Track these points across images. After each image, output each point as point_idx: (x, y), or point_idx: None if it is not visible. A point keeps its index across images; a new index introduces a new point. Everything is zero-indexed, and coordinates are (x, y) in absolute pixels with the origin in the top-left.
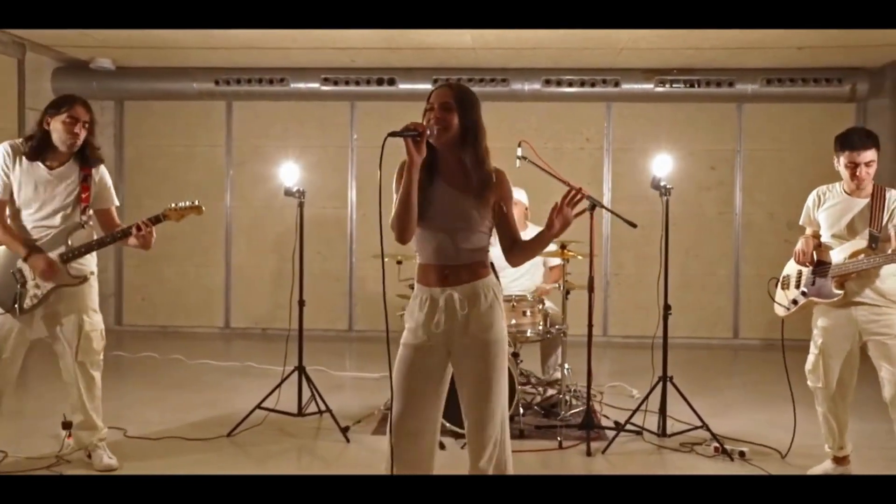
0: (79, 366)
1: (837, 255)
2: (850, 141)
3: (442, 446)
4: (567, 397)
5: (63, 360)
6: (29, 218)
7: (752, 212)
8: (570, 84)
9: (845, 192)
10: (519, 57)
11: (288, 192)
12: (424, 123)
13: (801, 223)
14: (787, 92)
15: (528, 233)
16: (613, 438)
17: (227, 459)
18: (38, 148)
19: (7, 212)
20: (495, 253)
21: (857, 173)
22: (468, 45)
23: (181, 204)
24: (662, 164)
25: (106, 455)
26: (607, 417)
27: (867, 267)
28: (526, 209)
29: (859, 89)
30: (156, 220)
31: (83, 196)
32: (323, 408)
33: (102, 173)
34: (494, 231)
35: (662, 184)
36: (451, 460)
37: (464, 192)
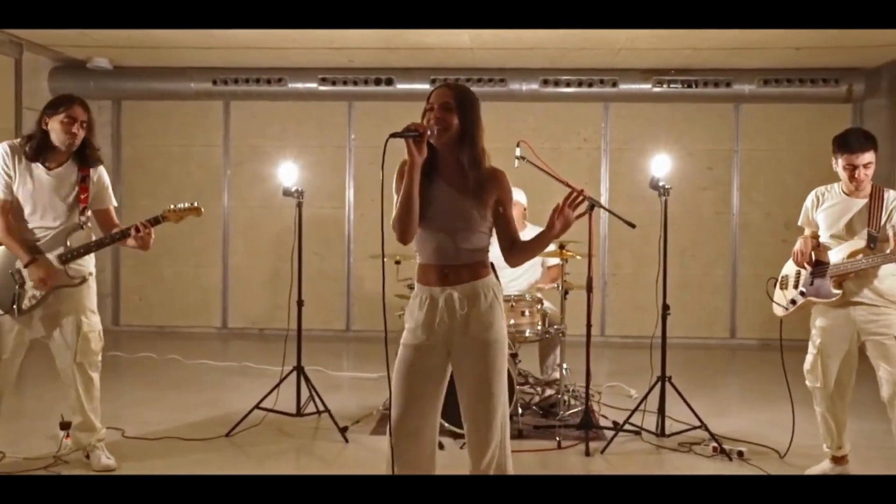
0: (77, 367)
1: (836, 256)
2: (849, 143)
3: (441, 446)
4: (565, 397)
5: (60, 360)
6: (27, 219)
7: (750, 212)
8: (568, 84)
9: (844, 192)
10: (516, 57)
11: (287, 192)
12: (425, 124)
13: (799, 224)
14: (784, 92)
15: (526, 233)
16: (612, 438)
17: (225, 459)
18: (38, 148)
19: (10, 213)
20: (494, 253)
21: (856, 175)
22: (466, 45)
23: (180, 205)
24: (661, 165)
25: (104, 455)
26: (606, 417)
27: (865, 266)
28: (524, 209)
29: (856, 90)
30: (155, 221)
31: (82, 197)
32: (321, 408)
33: (101, 173)
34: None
35: (661, 184)
36: (450, 460)
37: (462, 192)
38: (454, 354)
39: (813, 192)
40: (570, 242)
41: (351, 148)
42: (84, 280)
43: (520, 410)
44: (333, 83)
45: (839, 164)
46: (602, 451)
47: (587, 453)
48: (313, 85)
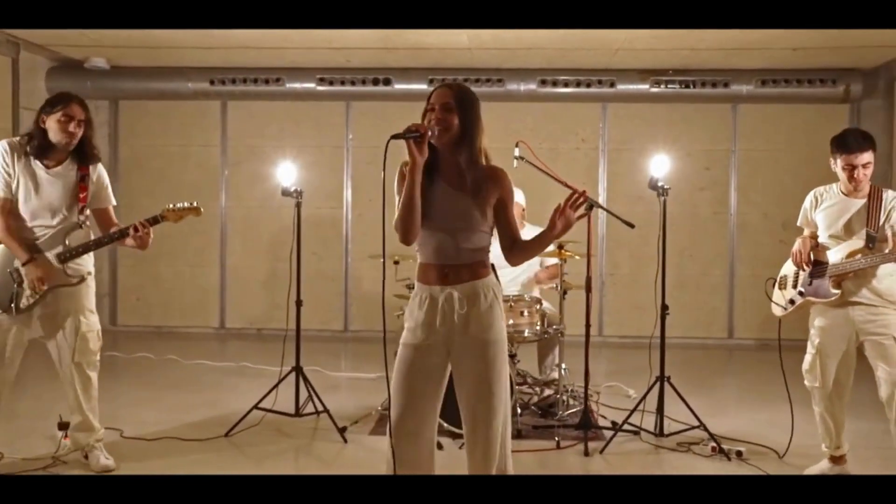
0: (75, 366)
1: (834, 256)
2: (847, 143)
3: (439, 446)
4: (564, 397)
5: (58, 360)
6: (26, 217)
7: (747, 212)
8: (566, 84)
9: (842, 192)
10: (514, 57)
11: (285, 192)
12: (425, 124)
13: (798, 224)
14: (782, 93)
15: (524, 233)
16: (611, 438)
17: (224, 460)
18: (39, 147)
19: (9, 212)
20: (494, 252)
21: (855, 175)
22: (464, 45)
23: (179, 205)
24: (660, 165)
25: (103, 456)
26: (604, 417)
27: (864, 266)
28: (523, 210)
29: (853, 90)
30: (154, 220)
31: (81, 196)
32: (320, 408)
33: (100, 172)
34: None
35: (660, 184)
36: (450, 460)
37: (462, 191)
38: (454, 354)
39: (811, 193)
40: (568, 242)
41: (349, 148)
42: (83, 279)
43: (519, 410)
44: (331, 83)
45: (838, 165)
46: (601, 451)
47: (586, 453)
48: (311, 85)
